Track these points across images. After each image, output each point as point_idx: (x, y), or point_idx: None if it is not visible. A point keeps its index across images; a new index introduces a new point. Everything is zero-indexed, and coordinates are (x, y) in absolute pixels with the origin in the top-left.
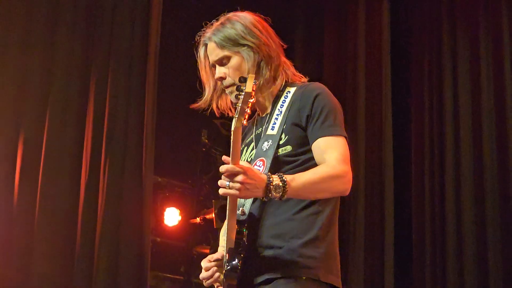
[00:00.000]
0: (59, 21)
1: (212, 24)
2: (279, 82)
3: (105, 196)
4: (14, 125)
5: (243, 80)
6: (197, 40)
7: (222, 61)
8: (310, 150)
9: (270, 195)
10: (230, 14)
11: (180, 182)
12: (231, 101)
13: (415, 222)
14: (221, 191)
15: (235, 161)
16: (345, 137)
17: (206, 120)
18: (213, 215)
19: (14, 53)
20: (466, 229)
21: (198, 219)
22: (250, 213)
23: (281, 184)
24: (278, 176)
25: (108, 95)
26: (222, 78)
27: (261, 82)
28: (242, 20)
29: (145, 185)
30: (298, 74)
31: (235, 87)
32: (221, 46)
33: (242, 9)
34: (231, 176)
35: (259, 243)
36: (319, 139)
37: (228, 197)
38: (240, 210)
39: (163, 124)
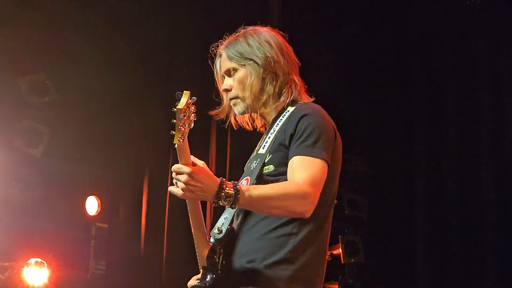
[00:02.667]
0: (175, 65)
1: (229, 37)
2: (284, 99)
3: None
4: (139, 167)
5: (180, 96)
6: (214, 50)
7: (230, 73)
8: None
9: (220, 202)
10: (248, 28)
11: None
12: (249, 114)
13: None
14: (169, 188)
15: (185, 161)
16: (324, 160)
17: None
18: (340, 251)
19: (136, 96)
20: None
21: None
22: (228, 232)
23: (233, 193)
24: (233, 183)
25: (229, 136)
26: (227, 90)
27: (265, 98)
28: (255, 35)
29: None
30: (307, 95)
31: (238, 99)
32: (230, 58)
33: (263, 25)
34: (178, 175)
35: (232, 262)
36: (294, 157)
37: (188, 210)
38: (216, 229)
39: None
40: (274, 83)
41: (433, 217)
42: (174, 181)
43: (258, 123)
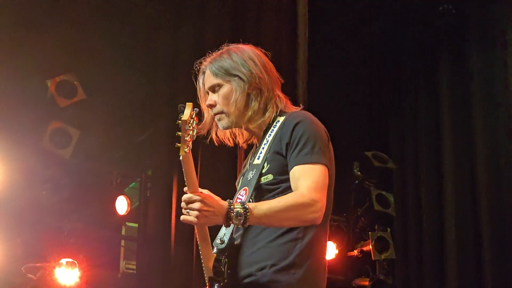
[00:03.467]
0: None
1: (213, 54)
2: (269, 114)
3: None
4: (168, 166)
5: (182, 108)
6: (197, 67)
7: (214, 89)
8: (289, 179)
9: (231, 222)
10: (232, 46)
11: (335, 216)
12: (231, 130)
13: None
14: (181, 218)
15: (192, 189)
16: (324, 165)
17: (358, 152)
18: (370, 247)
19: (164, 97)
20: None
21: (355, 252)
22: (230, 241)
23: (242, 211)
24: (241, 203)
25: None
26: (211, 106)
27: (250, 113)
28: (239, 52)
29: None
30: (293, 106)
31: (223, 115)
32: (215, 74)
33: (246, 43)
34: (189, 204)
35: (238, 271)
36: (295, 167)
37: (195, 226)
38: (219, 239)
39: None
40: (259, 99)
41: (463, 212)
42: (183, 210)
43: (240, 139)
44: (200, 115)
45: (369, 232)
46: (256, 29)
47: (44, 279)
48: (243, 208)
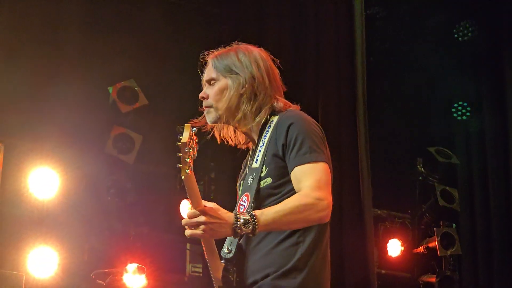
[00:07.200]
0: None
1: (222, 49)
2: (259, 119)
3: None
4: (232, 169)
5: (181, 129)
6: (203, 57)
7: (210, 82)
8: (290, 181)
9: (239, 231)
10: (241, 45)
11: (399, 213)
12: (233, 129)
13: None
14: (186, 232)
15: (196, 204)
16: (324, 162)
17: (420, 148)
18: (436, 243)
19: None
20: None
21: (421, 248)
22: (237, 250)
23: (249, 218)
24: (247, 211)
25: None
26: (203, 98)
27: (240, 115)
28: (247, 52)
29: (366, 219)
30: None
31: (212, 109)
32: (215, 67)
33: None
34: (193, 218)
35: (246, 279)
36: (295, 169)
37: (201, 240)
38: (226, 249)
39: (377, 157)
40: (251, 102)
41: None
42: (188, 226)
43: (241, 139)
44: (200, 134)
45: (434, 228)
46: (315, 38)
47: (113, 284)
48: (250, 215)
